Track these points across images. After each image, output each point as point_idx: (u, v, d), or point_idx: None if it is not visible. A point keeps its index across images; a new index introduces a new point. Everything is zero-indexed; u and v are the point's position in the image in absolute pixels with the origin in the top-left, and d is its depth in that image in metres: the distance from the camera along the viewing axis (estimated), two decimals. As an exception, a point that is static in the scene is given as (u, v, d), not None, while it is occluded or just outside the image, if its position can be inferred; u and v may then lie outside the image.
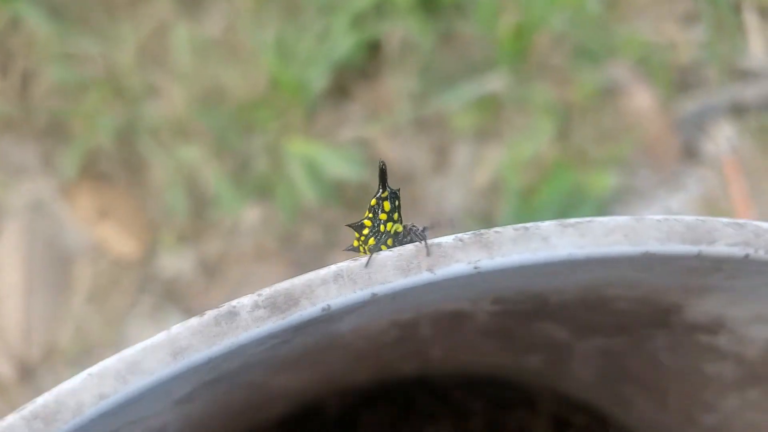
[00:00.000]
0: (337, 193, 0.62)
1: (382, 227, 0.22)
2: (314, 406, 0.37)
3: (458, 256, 0.18)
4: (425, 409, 0.38)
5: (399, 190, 0.22)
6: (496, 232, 0.18)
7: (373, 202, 0.22)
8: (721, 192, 0.70)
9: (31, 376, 0.57)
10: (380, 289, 0.18)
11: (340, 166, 0.61)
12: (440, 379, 0.38)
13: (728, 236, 0.19)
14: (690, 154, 0.70)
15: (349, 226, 0.23)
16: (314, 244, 0.62)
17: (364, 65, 0.66)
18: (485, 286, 0.22)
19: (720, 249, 0.19)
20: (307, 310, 0.18)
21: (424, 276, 0.18)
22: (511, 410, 0.39)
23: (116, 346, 0.58)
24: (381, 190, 0.22)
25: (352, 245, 0.23)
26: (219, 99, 0.64)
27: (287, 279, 0.19)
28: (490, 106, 0.67)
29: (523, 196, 0.64)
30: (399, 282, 0.18)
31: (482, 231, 0.18)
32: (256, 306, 0.18)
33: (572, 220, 0.18)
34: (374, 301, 0.18)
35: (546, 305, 0.26)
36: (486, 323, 0.29)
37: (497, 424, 0.38)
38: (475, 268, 0.18)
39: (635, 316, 0.26)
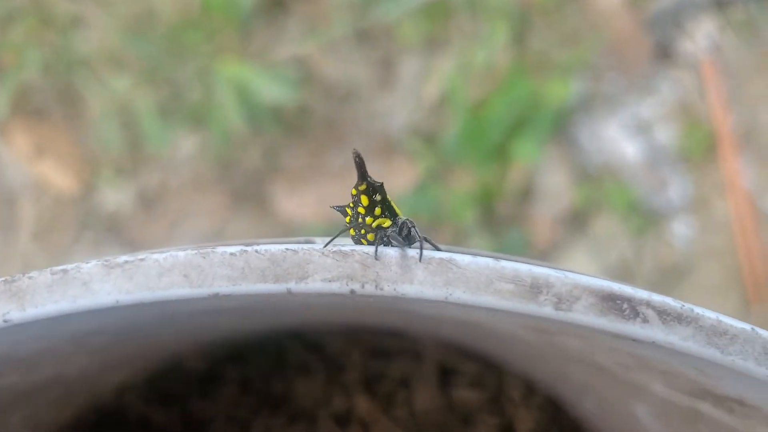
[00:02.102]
0: (275, 116, 0.59)
1: (359, 219, 0.20)
2: (179, 363, 0.35)
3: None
4: (298, 361, 0.36)
5: (382, 184, 0.20)
6: (30, 277, 0.15)
7: (353, 191, 0.20)
8: (697, 96, 0.64)
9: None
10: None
11: (273, 88, 0.58)
12: (315, 330, 0.36)
13: (326, 269, 0.15)
14: (663, 54, 0.64)
15: (335, 207, 0.21)
16: (254, 171, 0.60)
17: (302, -23, 0.62)
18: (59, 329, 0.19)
19: (314, 286, 0.15)
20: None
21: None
22: (393, 359, 0.37)
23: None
24: (358, 182, 0.19)
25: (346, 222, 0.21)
26: (149, 25, 0.61)
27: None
28: (439, 13, 0.62)
29: (474, 110, 0.60)
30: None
31: (15, 276, 0.16)
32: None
33: (121, 259, 0.15)
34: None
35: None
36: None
37: (377, 374, 0.36)
38: (5, 321, 0.15)
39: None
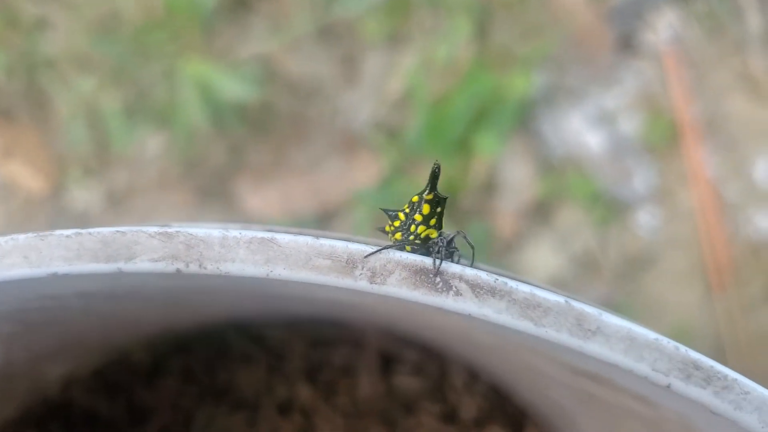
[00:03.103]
0: (239, 114, 0.60)
1: (413, 227, 0.20)
2: (125, 355, 0.36)
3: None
4: (241, 352, 0.37)
5: (446, 198, 0.21)
6: None
7: (415, 198, 0.21)
8: (660, 86, 0.64)
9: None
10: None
11: (236, 86, 0.59)
12: (257, 320, 0.37)
13: (152, 250, 0.16)
14: (626, 45, 0.65)
15: (384, 210, 0.22)
16: (219, 168, 0.60)
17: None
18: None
19: (142, 265, 0.16)
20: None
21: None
22: (334, 348, 0.37)
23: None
24: (427, 191, 0.20)
25: (384, 228, 0.22)
26: (114, 26, 0.61)
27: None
28: (401, 9, 0.62)
29: (437, 104, 0.61)
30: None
31: None
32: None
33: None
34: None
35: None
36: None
37: (319, 363, 0.37)
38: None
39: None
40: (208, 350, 0.37)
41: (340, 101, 0.62)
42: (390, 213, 0.21)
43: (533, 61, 0.63)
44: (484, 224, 0.60)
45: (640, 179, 0.63)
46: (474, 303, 0.15)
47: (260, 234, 0.15)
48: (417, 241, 0.21)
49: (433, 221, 0.20)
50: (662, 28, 0.65)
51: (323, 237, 0.15)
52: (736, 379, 0.16)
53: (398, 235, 0.21)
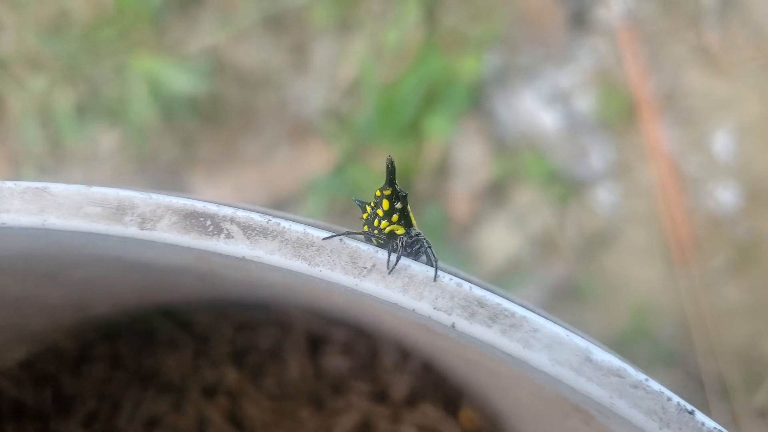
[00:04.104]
0: (189, 107, 0.60)
1: (376, 221, 0.20)
2: (52, 345, 0.36)
3: None
4: (167, 337, 0.37)
5: (407, 195, 0.21)
6: None
7: (377, 193, 0.21)
8: (615, 62, 0.64)
9: None
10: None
11: (185, 80, 0.59)
12: (184, 305, 0.37)
13: (17, 209, 0.15)
14: (578, 22, 0.64)
15: (355, 201, 0.22)
16: (171, 162, 0.60)
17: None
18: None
19: (14, 218, 0.15)
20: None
21: None
22: (261, 331, 0.37)
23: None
24: (384, 186, 0.20)
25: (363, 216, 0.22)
26: (64, 25, 0.62)
27: None
28: (349, -4, 0.62)
29: (387, 89, 0.60)
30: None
31: None
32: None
33: None
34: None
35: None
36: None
37: (246, 346, 0.37)
38: None
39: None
40: (135, 337, 0.37)
41: (291, 90, 0.62)
42: (359, 204, 0.21)
43: (484, 42, 0.62)
44: (439, 207, 0.60)
45: (598, 156, 0.62)
46: (246, 245, 0.15)
47: (34, 184, 0.15)
48: (381, 236, 0.20)
49: (395, 217, 0.20)
50: (615, 4, 0.64)
51: (290, 220, 0.15)
52: (524, 317, 0.15)
53: (365, 227, 0.21)
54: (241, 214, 0.15)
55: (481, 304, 0.15)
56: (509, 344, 0.15)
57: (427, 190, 0.61)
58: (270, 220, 0.15)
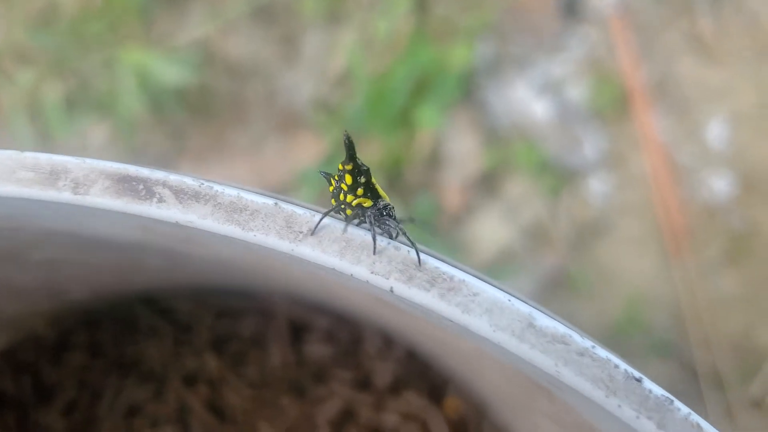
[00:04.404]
0: (178, 99, 0.60)
1: (341, 196, 0.20)
2: (31, 334, 0.36)
3: None
4: (148, 325, 0.37)
5: (369, 169, 0.21)
6: None
7: (340, 166, 0.21)
8: (607, 51, 0.63)
9: None
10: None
11: (174, 72, 0.58)
12: (165, 293, 0.37)
13: None
14: (570, 11, 0.64)
15: (321, 173, 0.22)
16: (161, 154, 0.60)
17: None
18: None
19: None
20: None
21: None
22: (242, 318, 0.37)
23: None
24: (345, 161, 0.20)
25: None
26: (53, 18, 0.62)
27: None
28: (339, -13, 0.62)
29: (378, 80, 0.60)
30: None
31: None
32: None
33: None
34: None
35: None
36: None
37: (227, 334, 0.37)
38: None
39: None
40: (116, 325, 0.37)
41: (281, 81, 0.61)
42: (324, 176, 0.21)
43: (475, 32, 0.62)
44: (430, 198, 0.60)
45: (590, 146, 0.62)
46: (178, 209, 0.14)
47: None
48: (348, 210, 0.20)
49: (360, 191, 0.20)
50: (607, -7, 0.64)
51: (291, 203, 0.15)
52: (463, 280, 0.15)
53: (333, 201, 0.21)
54: (173, 178, 0.15)
55: (419, 267, 0.15)
56: (448, 308, 0.14)
57: (419, 180, 0.60)
58: (203, 184, 0.15)
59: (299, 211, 0.15)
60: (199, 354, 0.37)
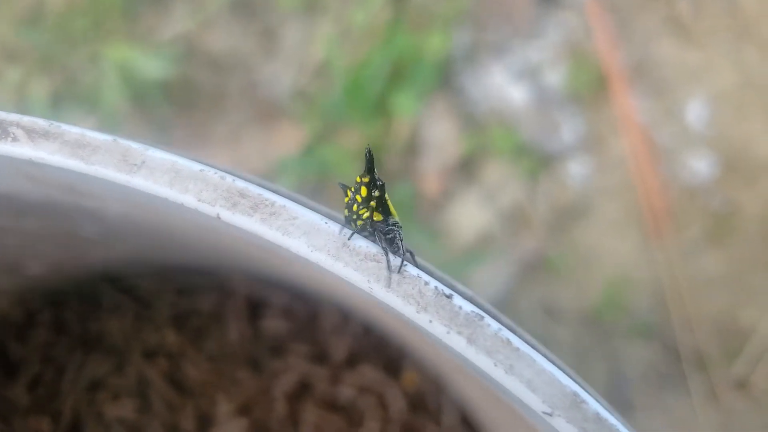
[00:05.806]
0: (161, 93, 0.61)
1: (355, 207, 0.21)
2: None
3: None
4: (111, 302, 0.38)
5: (384, 185, 0.22)
6: None
7: (357, 179, 0.21)
8: (585, 35, 0.63)
9: None
10: None
11: (156, 66, 0.60)
12: (128, 271, 0.38)
13: None
14: (546, -3, 0.64)
15: (340, 185, 0.23)
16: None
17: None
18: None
19: None
20: None
21: None
22: (202, 295, 0.38)
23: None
24: (363, 174, 0.21)
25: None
26: (39, 15, 0.63)
27: None
28: (317, -21, 0.63)
29: (356, 69, 0.61)
30: None
31: None
32: None
33: None
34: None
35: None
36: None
37: (187, 310, 0.38)
38: None
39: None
40: (81, 303, 0.38)
41: (260, 73, 0.62)
42: (342, 187, 0.22)
43: (451, 19, 0.63)
44: (409, 185, 0.60)
45: (569, 129, 0.62)
46: (30, 147, 0.15)
47: None
48: (359, 221, 0.21)
49: (372, 203, 0.21)
50: (584, -23, 0.64)
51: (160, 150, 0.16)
52: (284, 206, 0.16)
53: (346, 211, 0.21)
54: (26, 119, 0.16)
55: (243, 194, 0.16)
56: (269, 232, 0.15)
57: (397, 167, 0.61)
58: (52, 124, 0.16)
59: (134, 145, 0.16)
60: (159, 329, 0.38)
